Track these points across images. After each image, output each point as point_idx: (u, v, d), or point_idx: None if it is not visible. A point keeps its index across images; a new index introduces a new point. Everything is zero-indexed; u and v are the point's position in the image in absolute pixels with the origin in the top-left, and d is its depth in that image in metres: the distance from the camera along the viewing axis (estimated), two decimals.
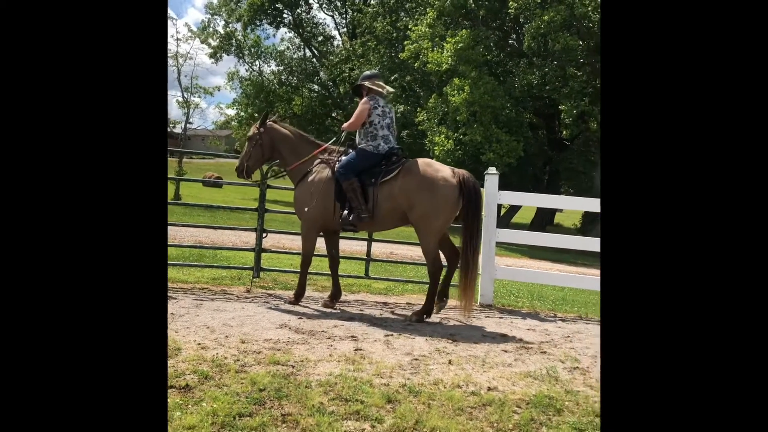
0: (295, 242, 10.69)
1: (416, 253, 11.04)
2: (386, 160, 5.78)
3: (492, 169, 7.03)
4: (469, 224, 5.60)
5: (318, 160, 6.02)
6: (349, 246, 9.60)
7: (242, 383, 3.37)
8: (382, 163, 5.76)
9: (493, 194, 6.81)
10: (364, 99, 5.91)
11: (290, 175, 6.24)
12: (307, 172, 6.01)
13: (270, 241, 7.71)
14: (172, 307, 5.27)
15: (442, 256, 5.88)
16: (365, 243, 7.44)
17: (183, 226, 10.64)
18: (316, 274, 7.58)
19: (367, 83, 6.03)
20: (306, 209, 5.89)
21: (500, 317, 6.16)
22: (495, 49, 24.83)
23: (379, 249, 10.30)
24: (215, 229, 11.90)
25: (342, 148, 6.06)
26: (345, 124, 6.02)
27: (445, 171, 5.67)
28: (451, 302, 6.59)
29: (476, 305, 6.54)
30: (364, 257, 7.48)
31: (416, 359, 4.23)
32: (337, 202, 5.78)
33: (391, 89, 6.11)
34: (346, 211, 5.70)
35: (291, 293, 6.46)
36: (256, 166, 6.33)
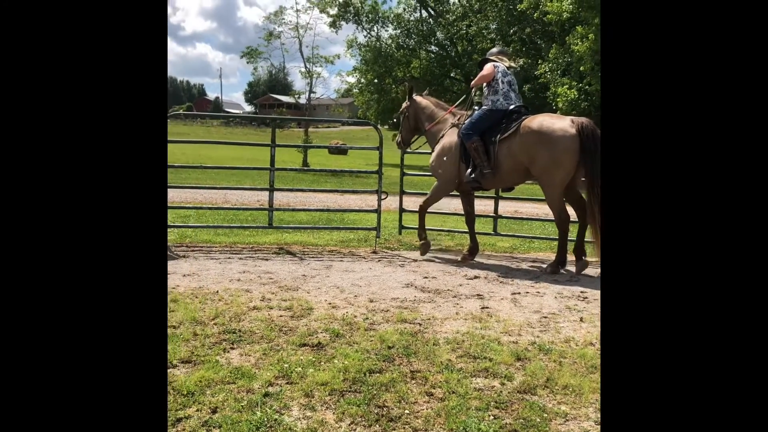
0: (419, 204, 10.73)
1: (542, 210, 10.74)
2: (507, 117, 5.80)
3: None
4: (590, 171, 5.38)
5: (450, 124, 6.31)
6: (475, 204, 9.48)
7: (371, 341, 3.45)
8: (503, 121, 5.78)
9: None
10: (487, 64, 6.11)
11: (428, 140, 6.67)
12: (441, 136, 6.32)
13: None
14: (303, 269, 5.49)
15: (572, 212, 5.81)
16: (492, 201, 7.34)
17: (311, 191, 11.06)
18: (434, 230, 7.60)
19: (492, 57, 6.23)
20: (439, 171, 6.27)
21: None
22: None
23: (503, 207, 10.11)
24: (341, 193, 12.27)
25: (469, 112, 6.23)
26: (474, 81, 6.23)
27: (563, 122, 5.53)
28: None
29: None
30: (492, 215, 7.37)
31: (545, 317, 4.13)
32: (462, 162, 5.98)
33: (514, 64, 6.39)
34: (469, 170, 5.87)
35: (415, 253, 6.55)
36: (409, 137, 6.98)
